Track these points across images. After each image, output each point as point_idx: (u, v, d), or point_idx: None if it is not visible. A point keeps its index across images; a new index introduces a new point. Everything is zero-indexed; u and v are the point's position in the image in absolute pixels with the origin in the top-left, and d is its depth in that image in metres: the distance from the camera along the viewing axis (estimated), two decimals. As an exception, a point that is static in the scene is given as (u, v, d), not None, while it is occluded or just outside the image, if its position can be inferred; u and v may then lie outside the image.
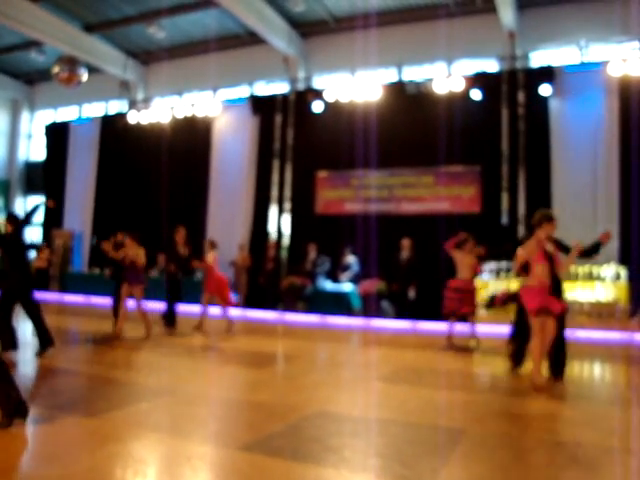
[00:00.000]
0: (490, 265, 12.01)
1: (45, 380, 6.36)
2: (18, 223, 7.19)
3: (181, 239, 10.57)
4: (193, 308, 11.81)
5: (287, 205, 15.46)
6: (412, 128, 13.73)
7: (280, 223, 15.51)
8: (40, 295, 16.67)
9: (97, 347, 8.30)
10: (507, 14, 13.12)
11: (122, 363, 7.39)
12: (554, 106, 13.12)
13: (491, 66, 14.28)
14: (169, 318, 10.39)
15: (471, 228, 13.00)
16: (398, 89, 14.24)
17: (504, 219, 13.02)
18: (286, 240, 15.41)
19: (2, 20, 14.98)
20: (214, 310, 10.96)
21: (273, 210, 15.58)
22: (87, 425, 4.46)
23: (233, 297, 11.03)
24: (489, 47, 14.15)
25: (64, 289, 17.07)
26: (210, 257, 10.44)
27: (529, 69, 13.57)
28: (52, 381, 6.23)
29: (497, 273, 11.94)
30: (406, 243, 12.75)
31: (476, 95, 13.36)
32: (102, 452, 3.82)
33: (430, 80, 13.75)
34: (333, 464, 3.71)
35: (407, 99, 14.00)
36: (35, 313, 7.21)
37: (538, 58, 14.10)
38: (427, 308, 12.08)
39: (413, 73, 15.17)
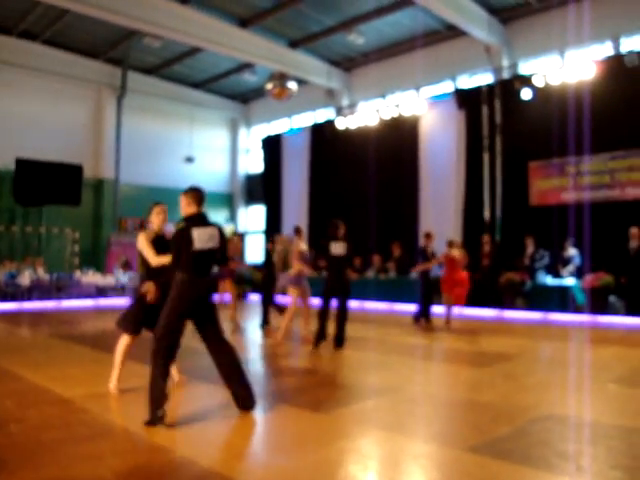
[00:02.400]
0: None
1: (274, 378, 6.81)
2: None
3: (430, 242, 11.23)
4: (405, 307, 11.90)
5: (499, 198, 14.93)
6: (634, 104, 12.48)
7: (494, 217, 15.02)
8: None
9: (316, 346, 8.64)
10: None
11: (343, 362, 7.67)
12: None
13: None
14: (425, 316, 11.06)
15: None
16: (615, 63, 13.01)
17: None
18: (500, 234, 14.88)
19: (218, 49, 16.48)
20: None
21: (486, 204, 15.13)
22: (316, 421, 4.69)
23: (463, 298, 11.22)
24: None
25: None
26: (453, 254, 10.93)
27: None
28: (279, 379, 6.64)
29: None
30: (635, 232, 11.68)
31: None
32: (332, 447, 3.99)
33: (654, 47, 12.39)
34: (569, 473, 3.50)
35: (626, 73, 12.72)
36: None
37: None
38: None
39: (632, 43, 13.78)
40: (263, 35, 16.98)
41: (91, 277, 16.88)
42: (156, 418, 4.36)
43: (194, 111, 22.01)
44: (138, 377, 5.59)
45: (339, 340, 8.40)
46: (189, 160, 21.36)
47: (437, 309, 11.29)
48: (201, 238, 4.68)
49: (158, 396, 4.42)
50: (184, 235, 4.68)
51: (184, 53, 18.68)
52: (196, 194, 4.84)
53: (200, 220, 4.79)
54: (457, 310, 11.40)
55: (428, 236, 11.29)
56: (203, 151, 22.33)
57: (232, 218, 23.43)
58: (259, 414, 5.01)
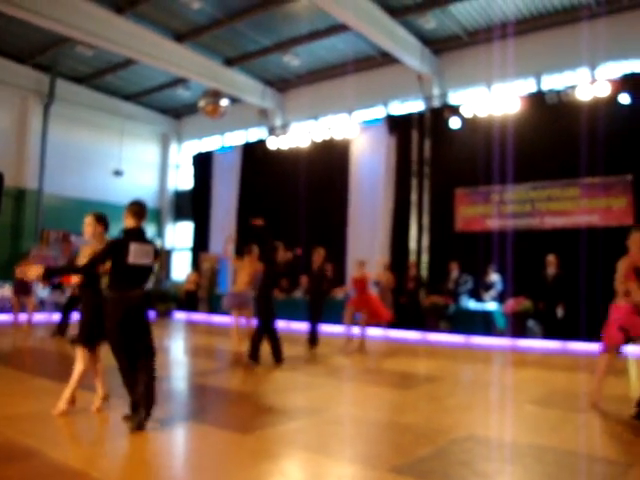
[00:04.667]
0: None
1: (197, 397, 6.69)
2: None
3: (319, 259, 10.96)
4: (334, 328, 11.98)
5: (426, 223, 15.29)
6: (554, 139, 13.11)
7: (420, 242, 15.34)
8: (190, 316, 17.72)
9: (244, 366, 8.59)
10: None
11: (270, 383, 7.63)
12: None
13: (641, 67, 13.35)
14: (311, 338, 10.73)
15: (623, 242, 12.16)
16: (538, 99, 13.66)
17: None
18: (426, 259, 15.21)
19: (152, 62, 16.25)
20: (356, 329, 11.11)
21: (412, 229, 15.45)
22: (240, 442, 4.62)
23: (387, 312, 11.33)
24: (638, 46, 13.23)
25: (212, 310, 17.91)
26: (360, 275, 10.86)
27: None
28: (204, 399, 6.54)
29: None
30: (552, 259, 12.19)
31: (624, 99, 12.50)
32: (255, 468, 3.95)
33: (572, 87, 13.07)
34: (487, 491, 3.59)
35: (548, 109, 13.40)
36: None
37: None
38: (577, 327, 11.38)
39: (553, 82, 14.52)
40: (198, 51, 16.90)
41: (8, 291, 16.11)
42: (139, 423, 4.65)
43: (125, 124, 21.57)
44: (51, 396, 5.39)
45: (278, 357, 8.63)
46: (118, 173, 20.87)
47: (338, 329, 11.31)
48: (137, 253, 4.69)
49: (135, 403, 4.69)
50: (119, 247, 4.69)
51: (117, 64, 18.33)
52: (134, 208, 4.86)
53: (138, 235, 4.81)
54: (380, 332, 11.45)
55: (318, 253, 11.09)
56: (132, 165, 21.86)
57: (160, 234, 22.98)
58: (182, 435, 4.92)
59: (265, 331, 8.57)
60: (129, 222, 4.84)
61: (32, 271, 4.57)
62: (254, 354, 8.51)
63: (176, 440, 4.78)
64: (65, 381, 5.31)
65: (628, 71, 13.01)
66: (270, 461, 4.14)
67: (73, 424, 5.03)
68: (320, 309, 11.01)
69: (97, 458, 4.10)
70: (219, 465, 4.05)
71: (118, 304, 4.68)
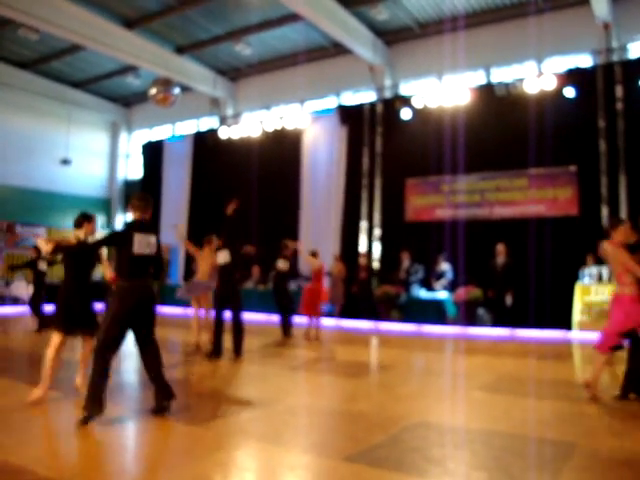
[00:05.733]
0: (591, 269, 11.52)
1: (149, 389, 6.61)
2: None
3: (290, 253, 11.25)
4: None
5: (378, 213, 15.42)
6: (503, 130, 13.37)
7: (371, 231, 15.48)
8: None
9: (196, 358, 8.53)
10: (601, 4, 12.53)
11: (222, 373, 7.59)
12: (656, 99, 12.40)
13: (585, 61, 13.71)
14: (285, 328, 11.01)
15: (569, 231, 12.57)
16: (487, 91, 13.92)
17: (605, 221, 12.43)
18: (378, 248, 15.36)
19: (102, 49, 15.87)
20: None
21: (364, 219, 15.57)
22: (192, 433, 4.59)
23: (322, 309, 11.29)
24: (582, 41, 13.60)
25: (162, 301, 17.68)
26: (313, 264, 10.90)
27: (627, 61, 12.89)
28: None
29: (599, 278, 11.42)
30: (501, 248, 12.46)
31: (569, 93, 12.85)
32: (207, 460, 3.92)
33: (520, 80, 13.36)
34: (437, 476, 3.66)
35: (497, 101, 13.67)
36: None
37: (637, 49, 13.39)
38: (525, 314, 11.70)
39: (502, 74, 14.80)
40: (149, 38, 16.59)
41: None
42: (88, 416, 4.52)
43: (72, 111, 21.01)
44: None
45: (237, 351, 8.36)
46: (65, 162, 20.35)
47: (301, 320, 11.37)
48: (140, 243, 4.89)
49: (93, 395, 4.57)
50: (122, 237, 4.91)
51: (64, 50, 17.78)
52: (135, 202, 5.08)
53: (140, 226, 4.99)
54: (333, 321, 11.54)
55: (285, 246, 11.29)
56: (81, 154, 21.35)
57: (109, 224, 22.56)
58: (133, 428, 4.86)
59: (232, 323, 8.44)
60: (133, 215, 5.08)
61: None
62: (218, 348, 8.27)
63: (128, 434, 4.72)
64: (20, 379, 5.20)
65: (573, 65, 13.39)
66: (223, 452, 4.12)
67: (20, 421, 4.91)
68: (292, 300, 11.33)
69: (45, 455, 4.01)
70: (171, 457, 4.02)
71: (129, 293, 4.88)
